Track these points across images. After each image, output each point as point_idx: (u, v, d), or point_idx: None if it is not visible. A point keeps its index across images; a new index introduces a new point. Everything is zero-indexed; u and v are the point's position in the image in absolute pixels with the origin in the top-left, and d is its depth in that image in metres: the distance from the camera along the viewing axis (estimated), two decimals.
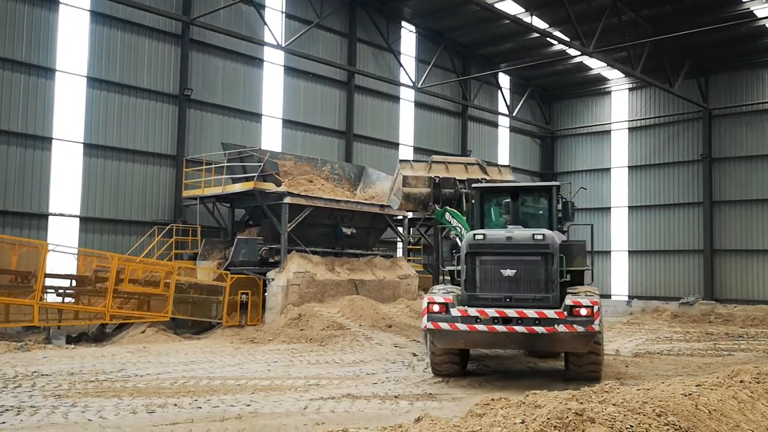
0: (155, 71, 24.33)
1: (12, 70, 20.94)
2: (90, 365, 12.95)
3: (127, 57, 23.60)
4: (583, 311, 10.61)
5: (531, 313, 10.74)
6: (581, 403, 4.58)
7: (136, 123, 23.72)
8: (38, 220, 21.25)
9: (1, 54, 20.71)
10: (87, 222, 22.43)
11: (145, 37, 24.14)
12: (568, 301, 10.82)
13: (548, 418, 4.00)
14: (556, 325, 10.60)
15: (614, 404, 4.58)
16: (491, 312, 10.87)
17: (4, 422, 8.00)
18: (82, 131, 22.54)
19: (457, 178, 16.40)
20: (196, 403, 9.40)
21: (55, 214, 21.72)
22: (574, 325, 10.57)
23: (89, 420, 8.21)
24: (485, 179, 15.79)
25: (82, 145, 22.51)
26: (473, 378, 12.18)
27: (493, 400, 5.11)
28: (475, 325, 10.90)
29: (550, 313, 10.71)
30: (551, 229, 12.47)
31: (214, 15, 25.15)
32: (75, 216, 22.21)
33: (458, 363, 12.24)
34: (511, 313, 10.82)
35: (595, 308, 10.68)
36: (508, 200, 12.99)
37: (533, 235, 11.19)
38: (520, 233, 11.41)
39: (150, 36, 24.26)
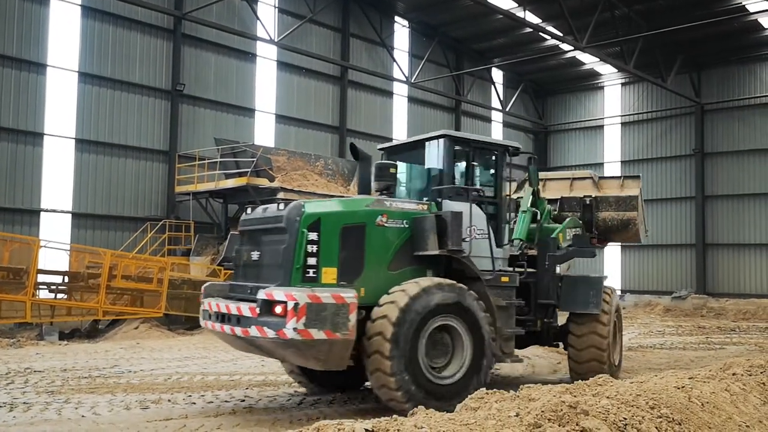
0: (147, 66, 24.22)
1: (3, 66, 20.83)
2: (83, 361, 12.91)
3: (118, 52, 23.48)
4: (278, 309, 7.50)
5: (246, 309, 7.88)
6: (575, 396, 4.60)
7: (128, 118, 23.62)
8: (30, 216, 21.15)
9: None
10: (79, 218, 22.34)
11: (137, 32, 24.02)
12: (262, 294, 7.76)
13: (542, 411, 4.01)
14: (249, 327, 7.75)
15: (608, 397, 4.60)
16: (215, 307, 8.50)
17: None
18: (74, 127, 22.45)
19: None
20: (190, 398, 9.39)
21: (46, 210, 21.64)
22: (265, 328, 7.55)
23: (82, 416, 8.18)
24: (590, 197, 12.80)
25: (73, 140, 22.41)
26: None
27: (487, 393, 5.13)
28: (208, 322, 8.76)
29: (246, 310, 7.87)
30: (452, 197, 9.04)
31: (206, 9, 25.05)
32: (67, 212, 22.12)
33: (306, 374, 9.65)
34: (233, 308, 8.13)
35: (293, 305, 7.33)
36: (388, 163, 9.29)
37: (277, 206, 8.48)
38: (274, 207, 8.64)
39: (142, 31, 24.14)
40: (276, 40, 27.44)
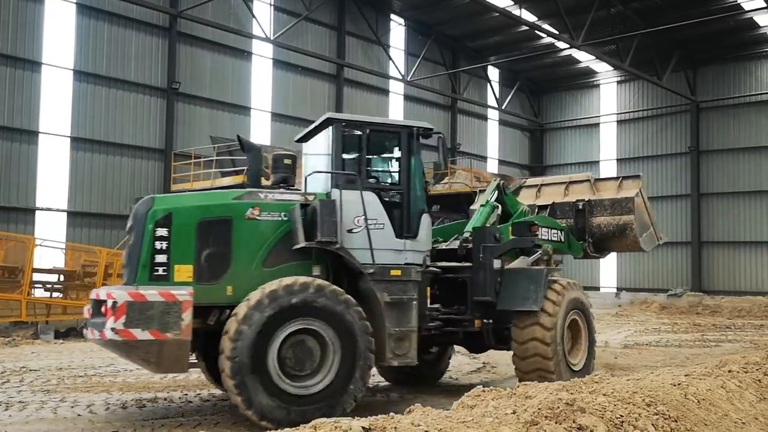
0: (143, 64, 24.17)
1: None
2: (79, 360, 12.87)
3: (114, 50, 23.43)
4: (103, 308, 7.13)
5: (85, 311, 7.68)
6: (572, 394, 4.61)
7: (123, 116, 23.57)
8: (25, 214, 21.09)
9: None
10: (74, 216, 22.29)
11: (133, 30, 23.96)
12: (93, 294, 7.63)
13: (539, 409, 4.01)
14: (86, 329, 7.51)
15: (604, 394, 4.61)
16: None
17: None
18: (69, 125, 22.39)
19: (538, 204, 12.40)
20: (186, 397, 9.37)
21: (42, 209, 21.59)
22: (94, 329, 7.29)
23: (78, 415, 8.16)
24: (584, 201, 11.81)
25: (69, 138, 22.36)
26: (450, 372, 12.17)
27: (483, 391, 5.13)
28: None
29: (85, 312, 7.64)
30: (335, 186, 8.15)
31: (202, 7, 25.00)
32: (62, 210, 22.08)
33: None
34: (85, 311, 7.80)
35: (112, 303, 6.93)
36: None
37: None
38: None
39: (137, 29, 24.08)
40: (272, 38, 27.40)
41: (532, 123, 42.45)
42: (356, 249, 8.01)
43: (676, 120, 37.41)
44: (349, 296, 7.56)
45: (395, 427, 3.71)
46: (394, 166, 8.95)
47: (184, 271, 7.42)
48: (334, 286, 7.57)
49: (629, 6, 29.84)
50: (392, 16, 33.43)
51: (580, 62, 38.00)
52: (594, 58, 33.48)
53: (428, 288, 8.63)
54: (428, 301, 8.64)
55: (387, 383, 10.67)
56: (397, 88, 33.85)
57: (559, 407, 3.97)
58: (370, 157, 8.70)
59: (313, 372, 7.35)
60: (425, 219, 8.63)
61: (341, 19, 30.91)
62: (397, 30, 33.93)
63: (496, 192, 10.79)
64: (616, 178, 12.39)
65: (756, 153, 34.64)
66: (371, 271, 7.98)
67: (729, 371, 6.50)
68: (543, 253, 9.98)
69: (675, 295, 32.11)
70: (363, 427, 3.73)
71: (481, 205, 10.52)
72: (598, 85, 40.65)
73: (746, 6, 29.26)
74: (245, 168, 21.34)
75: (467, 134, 38.00)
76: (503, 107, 39.16)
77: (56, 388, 9.91)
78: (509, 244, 9.67)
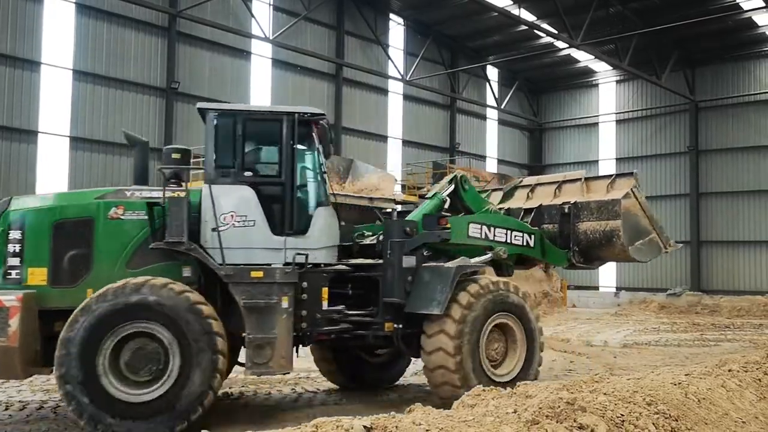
0: (142, 64, 24.17)
1: None
2: None
3: (113, 50, 23.42)
4: None
5: None
6: (572, 393, 4.62)
7: (122, 116, 23.56)
8: None
9: None
10: None
11: (132, 30, 23.96)
12: None
13: (540, 408, 4.02)
14: None
15: (605, 393, 4.62)
16: None
17: None
18: (69, 124, 22.37)
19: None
20: None
21: None
22: None
23: None
24: (569, 204, 10.10)
25: (68, 138, 22.34)
26: None
27: (484, 390, 5.14)
28: None
29: None
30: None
31: (201, 7, 24.99)
32: None
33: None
34: None
35: None
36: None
37: None
38: None
39: (136, 28, 24.08)
40: (271, 37, 27.39)
41: (531, 122, 42.46)
42: (222, 249, 7.40)
43: (675, 119, 37.44)
44: (192, 296, 6.96)
45: (396, 426, 3.72)
46: (276, 157, 7.96)
47: (37, 275, 7.16)
48: (176, 285, 6.98)
49: (628, 6, 29.86)
50: (391, 15, 33.42)
51: (579, 62, 38.01)
52: (593, 57, 33.51)
53: (324, 288, 7.82)
54: (324, 302, 7.82)
55: (390, 384, 10.64)
56: (396, 88, 33.84)
57: (559, 406, 3.97)
58: (247, 148, 8.00)
59: (153, 379, 6.82)
60: (321, 213, 7.96)
61: (340, 19, 30.90)
62: (396, 29, 33.93)
63: (453, 186, 9.68)
64: (609, 176, 10.55)
65: (755, 152, 34.66)
66: (224, 273, 7.31)
67: (729, 370, 6.52)
68: (495, 256, 8.90)
69: (674, 294, 32.12)
70: (364, 426, 3.74)
71: (428, 198, 9.72)
72: (597, 85, 40.66)
73: (745, 6, 29.29)
74: None
75: (466, 133, 38.01)
76: (502, 107, 39.16)
77: (56, 387, 9.90)
78: (418, 239, 8.38)
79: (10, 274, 7.18)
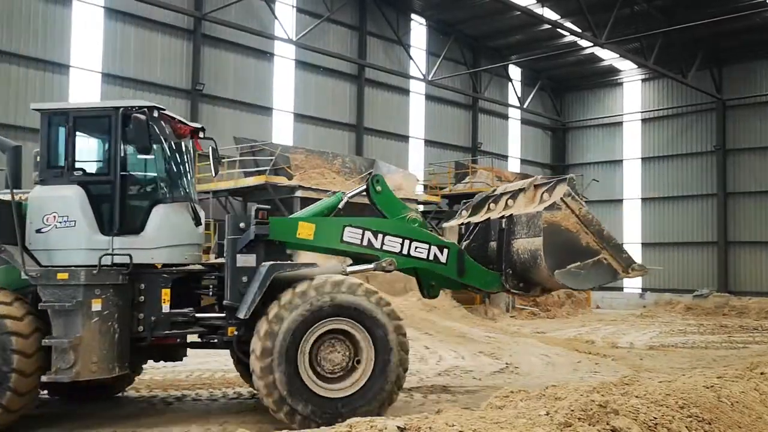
0: (168, 66, 24.44)
1: (27, 67, 21.10)
2: None
3: (140, 52, 23.71)
4: None
5: None
6: (603, 396, 4.59)
7: None
8: None
9: (17, 51, 20.86)
10: None
11: (158, 33, 24.23)
12: None
13: (572, 410, 4.01)
14: None
15: (637, 396, 4.58)
16: None
17: None
18: None
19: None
20: (212, 395, 9.46)
21: None
22: None
23: (104, 412, 8.27)
24: (509, 216, 8.72)
25: None
26: (488, 373, 12.15)
27: (512, 392, 5.13)
28: None
29: None
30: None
31: (226, 10, 25.19)
32: None
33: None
34: None
35: None
36: None
37: None
38: None
39: (163, 32, 24.35)
40: (294, 39, 27.53)
41: (554, 122, 42.19)
42: (43, 250, 7.27)
43: (702, 118, 36.95)
44: None
45: (430, 427, 3.73)
46: (104, 155, 7.71)
47: None
48: None
49: (653, 3, 29.54)
50: (413, 15, 33.41)
51: (603, 60, 37.68)
52: (617, 56, 33.18)
53: (165, 290, 7.47)
54: (165, 305, 7.45)
55: (408, 385, 10.64)
56: (418, 88, 33.82)
57: (592, 409, 3.96)
58: (78, 146, 7.67)
59: None
60: (159, 211, 7.57)
61: (362, 20, 30.97)
62: (418, 30, 33.90)
63: (363, 186, 8.72)
64: (547, 183, 8.75)
65: None
66: (31, 275, 7.05)
67: (761, 373, 6.43)
68: (377, 268, 7.95)
69: (701, 295, 31.75)
70: (398, 427, 3.75)
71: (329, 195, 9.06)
72: (621, 84, 40.28)
73: None
74: (267, 168, 21.51)
75: (488, 133, 37.87)
76: (525, 106, 38.95)
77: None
78: (245, 238, 7.64)
79: None
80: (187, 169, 8.38)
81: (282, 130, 28.04)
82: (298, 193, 21.14)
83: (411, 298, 22.45)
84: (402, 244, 8.04)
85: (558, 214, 7.99)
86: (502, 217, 8.77)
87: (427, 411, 7.41)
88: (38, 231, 7.27)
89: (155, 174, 7.79)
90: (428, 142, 34.18)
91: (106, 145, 7.62)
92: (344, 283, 7.21)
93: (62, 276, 6.97)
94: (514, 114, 40.02)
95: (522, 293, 8.66)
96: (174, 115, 8.20)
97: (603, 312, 29.22)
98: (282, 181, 21.47)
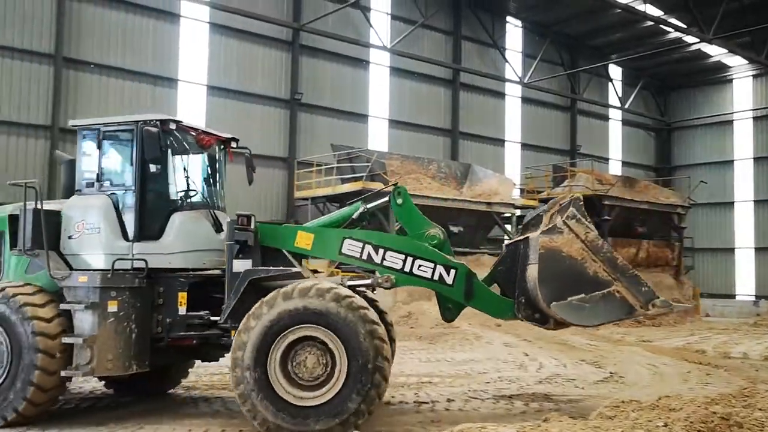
0: (268, 77, 25.29)
1: (139, 81, 22.37)
2: None
3: (242, 65, 24.67)
4: None
5: None
6: (724, 408, 4.39)
7: (251, 128, 24.71)
8: None
9: (130, 67, 22.14)
10: None
11: (259, 45, 25.13)
12: None
13: (691, 422, 3.85)
14: None
15: (761, 409, 4.35)
16: None
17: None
18: None
19: None
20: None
21: None
22: None
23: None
24: (525, 238, 7.91)
25: None
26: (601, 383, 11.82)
27: (623, 402, 4.98)
28: None
29: None
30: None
31: (323, 20, 25.80)
32: None
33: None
34: None
35: None
36: None
37: None
38: None
39: (263, 44, 25.24)
40: (389, 46, 27.84)
41: (657, 122, 40.56)
42: (73, 255, 7.86)
43: None
44: (29, 304, 7.33)
45: None
46: (127, 166, 8.11)
47: None
48: (6, 285, 7.59)
49: None
50: (508, 18, 33.05)
51: (710, 57, 35.91)
52: (726, 51, 31.60)
53: (182, 293, 7.74)
54: (182, 307, 7.72)
55: (509, 392, 10.51)
56: (514, 91, 33.40)
57: (713, 421, 3.79)
58: (106, 158, 8.18)
59: None
60: (176, 218, 7.98)
61: (457, 24, 30.93)
62: (514, 32, 33.50)
63: (386, 198, 8.42)
64: (561, 203, 8.03)
65: None
66: (57, 277, 7.56)
67: None
68: (374, 283, 7.73)
69: None
70: None
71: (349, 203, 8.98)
72: (731, 80, 38.25)
73: None
74: (364, 174, 21.83)
75: (588, 135, 36.86)
76: (626, 106, 37.68)
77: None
78: (232, 236, 7.72)
79: None
80: (213, 178, 8.75)
81: (377, 137, 28.39)
82: None
83: None
84: (405, 261, 7.68)
85: (559, 239, 7.27)
86: (518, 239, 8.13)
87: (530, 419, 7.31)
88: (70, 237, 7.90)
89: (174, 183, 8.19)
90: (525, 146, 33.66)
91: (129, 157, 8.05)
92: (312, 289, 6.95)
93: (82, 279, 7.49)
94: (615, 115, 38.79)
95: (537, 324, 7.74)
96: (198, 127, 8.52)
97: (713, 320, 27.77)
98: (378, 187, 21.65)
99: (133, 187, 7.90)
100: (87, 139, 8.22)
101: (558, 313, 7.11)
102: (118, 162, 8.21)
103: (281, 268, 7.58)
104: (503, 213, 24.89)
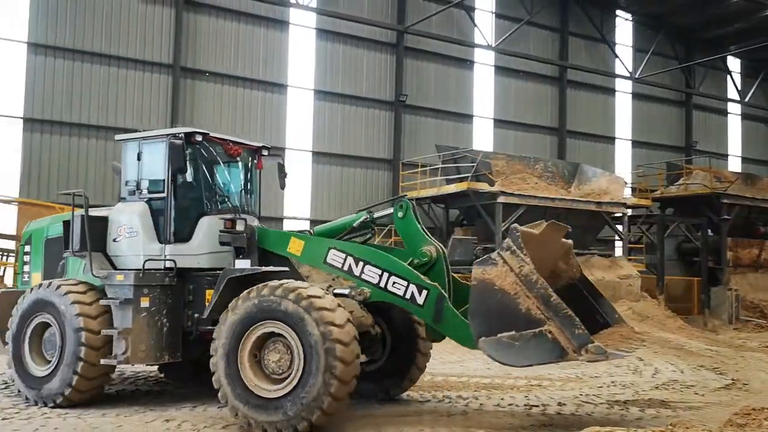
0: (373, 80, 25.72)
1: (251, 88, 23.33)
2: None
3: (348, 69, 25.22)
4: None
5: None
6: None
7: (356, 130, 25.25)
8: (276, 223, 23.36)
9: (242, 74, 23.15)
10: (315, 223, 24.24)
11: (364, 49, 25.60)
12: None
13: None
14: None
15: None
16: None
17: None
18: (311, 140, 24.48)
19: None
20: (422, 397, 9.77)
21: (288, 218, 23.80)
22: None
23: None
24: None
25: (311, 153, 24.43)
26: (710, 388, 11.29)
27: (754, 410, 4.76)
28: None
29: None
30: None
31: (427, 21, 25.95)
32: (305, 219, 24.14)
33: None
34: None
35: None
36: None
37: None
38: None
39: (368, 47, 25.69)
40: (493, 45, 27.62)
41: None
42: (116, 256, 8.75)
43: None
44: (78, 302, 8.17)
45: None
46: (161, 175, 8.77)
47: (36, 278, 9.49)
48: (62, 282, 8.47)
49: None
50: (618, 12, 31.99)
51: None
52: None
53: (209, 290, 8.27)
54: (207, 302, 8.23)
55: (623, 398, 10.19)
56: (624, 87, 32.30)
57: None
58: (145, 168, 8.90)
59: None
60: (204, 222, 8.65)
61: (564, 21, 30.26)
62: (624, 26, 32.39)
63: (389, 211, 8.50)
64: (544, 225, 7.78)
65: None
66: (99, 276, 8.42)
67: None
68: (357, 294, 7.70)
69: None
70: None
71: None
72: None
73: None
74: (469, 174, 21.76)
75: (704, 131, 35.07)
76: (746, 100, 35.54)
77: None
78: (223, 240, 8.42)
79: (24, 277, 9.80)
80: (243, 184, 9.54)
81: (482, 137, 28.23)
82: (500, 199, 21.11)
83: (620, 306, 21.45)
84: (381, 276, 7.70)
85: (492, 271, 6.81)
86: None
87: (647, 426, 7.10)
88: (114, 240, 8.80)
89: (202, 190, 8.89)
90: (636, 143, 32.46)
91: (162, 167, 8.74)
92: (279, 288, 7.19)
93: (119, 277, 8.33)
94: (734, 109, 36.69)
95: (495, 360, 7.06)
96: (226, 138, 9.20)
97: None
98: (484, 187, 21.58)
99: (165, 194, 8.65)
100: (129, 151, 9.06)
101: (485, 349, 6.81)
102: (153, 171, 8.89)
103: (259, 267, 8.11)
104: (614, 213, 24.11)
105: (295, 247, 8.29)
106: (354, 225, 8.79)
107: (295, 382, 6.99)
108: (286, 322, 7.07)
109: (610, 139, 31.82)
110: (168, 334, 8.35)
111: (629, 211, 24.59)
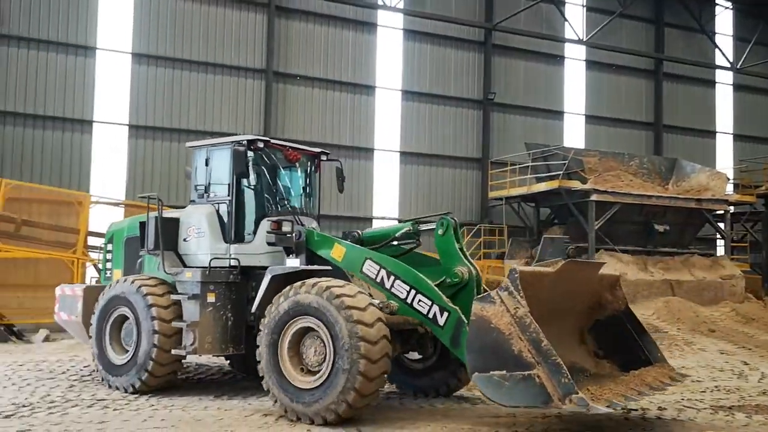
0: (460, 79, 25.67)
1: (340, 90, 23.80)
2: None
3: (435, 68, 25.26)
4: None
5: None
6: None
7: (444, 129, 25.25)
8: (365, 223, 23.66)
9: (332, 77, 23.65)
10: None
11: (451, 48, 25.59)
12: None
13: None
14: None
15: None
16: None
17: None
18: (398, 141, 24.68)
19: None
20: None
21: (377, 218, 24.09)
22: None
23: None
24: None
25: (398, 153, 24.63)
26: None
27: None
28: None
29: None
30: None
31: (515, 18, 25.66)
32: (394, 219, 24.35)
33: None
34: None
35: (57, 295, 10.62)
36: None
37: None
38: None
39: (455, 46, 25.66)
40: (584, 39, 26.98)
41: None
42: (187, 255, 9.35)
43: None
44: (151, 294, 8.87)
45: None
46: (226, 179, 9.31)
47: (117, 274, 10.21)
48: (136, 278, 9.24)
49: None
50: (717, 0, 30.54)
51: None
52: None
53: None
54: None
55: (728, 403, 9.78)
56: (725, 78, 30.83)
57: None
58: (212, 173, 9.48)
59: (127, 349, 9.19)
60: (264, 224, 9.04)
61: (659, 11, 29.19)
62: (724, 15, 30.91)
63: (432, 225, 8.59)
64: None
65: None
66: (170, 273, 9.10)
67: None
68: (385, 306, 7.70)
69: None
70: None
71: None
72: None
73: None
74: (560, 172, 21.36)
75: None
76: None
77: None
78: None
79: (107, 273, 10.53)
80: (303, 188, 10.00)
81: (573, 133, 27.64)
82: (593, 197, 20.63)
83: (722, 308, 20.58)
84: (408, 293, 7.82)
85: (490, 309, 6.83)
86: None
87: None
88: (184, 240, 9.42)
89: (263, 193, 9.35)
90: (738, 137, 30.91)
91: (227, 172, 9.30)
92: (315, 285, 7.57)
93: (188, 274, 8.95)
94: None
95: None
96: (286, 144, 9.73)
97: None
98: (576, 185, 21.13)
99: (230, 198, 9.21)
100: (198, 157, 9.67)
101: (477, 384, 6.90)
102: (219, 176, 9.46)
103: (304, 266, 8.53)
104: (715, 210, 23.09)
105: (337, 252, 8.58)
106: (396, 235, 9.00)
107: (325, 376, 7.35)
108: (319, 317, 7.45)
109: (711, 134, 30.44)
110: (232, 328, 8.93)
111: (732, 208, 23.49)
